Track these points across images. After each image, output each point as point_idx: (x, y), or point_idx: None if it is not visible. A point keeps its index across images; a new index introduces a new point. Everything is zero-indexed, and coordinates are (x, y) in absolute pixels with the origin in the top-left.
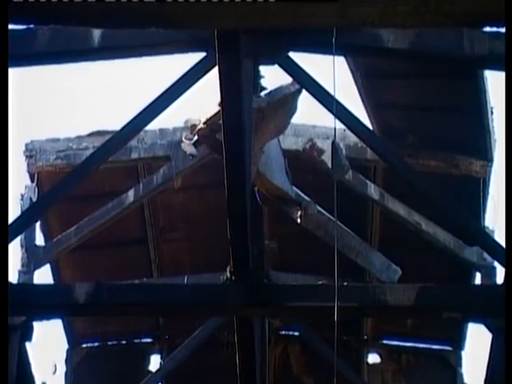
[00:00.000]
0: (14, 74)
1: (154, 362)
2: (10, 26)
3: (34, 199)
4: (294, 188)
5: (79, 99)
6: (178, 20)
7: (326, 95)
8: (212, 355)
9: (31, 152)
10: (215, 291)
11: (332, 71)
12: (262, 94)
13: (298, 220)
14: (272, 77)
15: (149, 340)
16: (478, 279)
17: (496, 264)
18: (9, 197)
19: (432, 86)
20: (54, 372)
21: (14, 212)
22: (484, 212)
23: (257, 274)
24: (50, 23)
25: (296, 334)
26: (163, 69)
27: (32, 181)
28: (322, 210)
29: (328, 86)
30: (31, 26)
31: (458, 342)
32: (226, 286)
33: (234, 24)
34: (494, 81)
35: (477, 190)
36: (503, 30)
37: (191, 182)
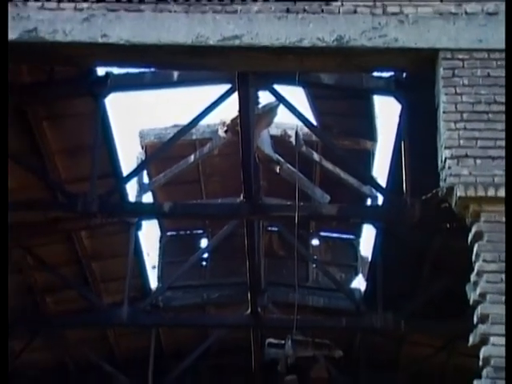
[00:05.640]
0: (135, 95)
1: (204, 243)
2: (131, 70)
3: (143, 158)
4: (276, 155)
5: (167, 108)
6: (217, 67)
7: (292, 107)
8: (233, 240)
9: (142, 135)
10: (234, 206)
11: (296, 95)
12: (259, 106)
13: (278, 171)
14: (264, 97)
15: (200, 231)
16: (368, 202)
17: (378, 194)
18: (129, 158)
19: (346, 105)
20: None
21: (133, 165)
22: (372, 168)
23: (256, 198)
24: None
25: (275, 229)
26: (210, 92)
27: (142, 149)
28: (290, 166)
29: (294, 102)
30: (140, 69)
31: (358, 234)
32: (240, 204)
33: (246, 69)
34: (379, 101)
35: (368, 157)
36: (383, 74)
37: (223, 151)
